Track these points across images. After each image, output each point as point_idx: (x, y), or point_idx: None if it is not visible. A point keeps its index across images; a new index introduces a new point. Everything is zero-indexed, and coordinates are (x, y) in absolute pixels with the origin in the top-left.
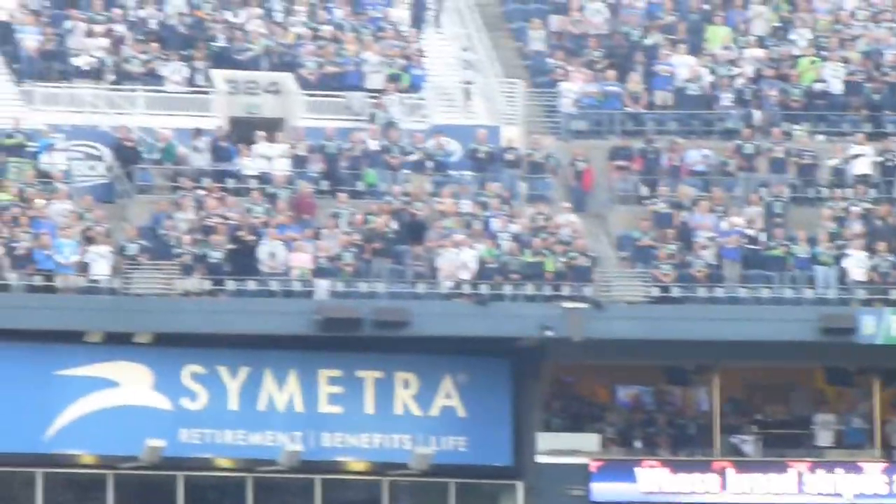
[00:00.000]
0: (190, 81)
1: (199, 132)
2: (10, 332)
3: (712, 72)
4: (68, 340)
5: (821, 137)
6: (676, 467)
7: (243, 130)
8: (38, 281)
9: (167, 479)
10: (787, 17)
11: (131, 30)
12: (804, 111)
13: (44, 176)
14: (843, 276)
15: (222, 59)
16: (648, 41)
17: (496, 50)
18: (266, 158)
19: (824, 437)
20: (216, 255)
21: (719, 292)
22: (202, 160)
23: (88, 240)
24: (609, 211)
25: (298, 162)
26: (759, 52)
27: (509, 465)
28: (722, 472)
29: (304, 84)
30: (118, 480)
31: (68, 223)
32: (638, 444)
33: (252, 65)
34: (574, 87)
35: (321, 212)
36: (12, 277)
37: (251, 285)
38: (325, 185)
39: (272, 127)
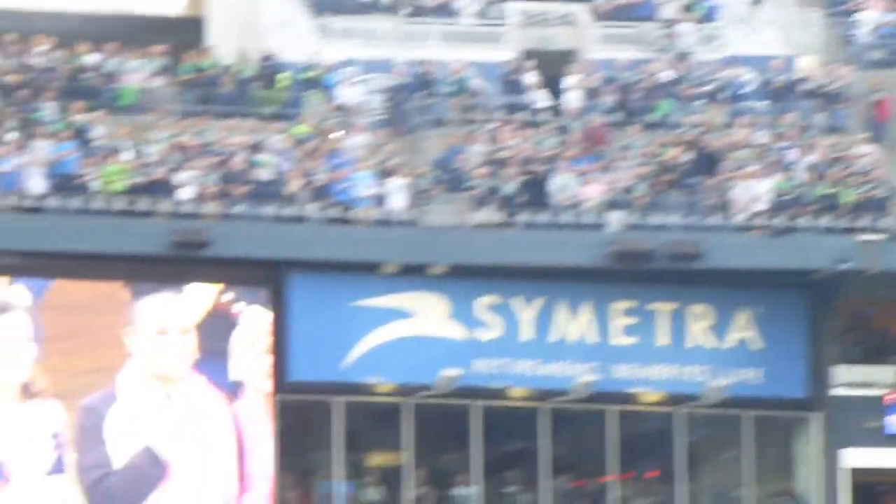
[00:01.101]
0: (483, 14)
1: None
2: (309, 264)
3: None
4: (364, 271)
5: None
6: None
7: (536, 63)
8: (335, 213)
9: (462, 408)
10: None
11: None
12: None
13: (340, 109)
14: None
15: None
16: None
17: None
18: (559, 91)
19: None
20: (509, 188)
21: None
22: (495, 93)
23: (384, 172)
24: None
25: (591, 94)
26: None
27: (804, 398)
28: None
29: (597, 15)
30: (414, 409)
31: (364, 156)
32: None
33: None
34: (872, 15)
35: (613, 144)
36: (310, 210)
37: (543, 217)
38: (617, 116)
39: (565, 59)
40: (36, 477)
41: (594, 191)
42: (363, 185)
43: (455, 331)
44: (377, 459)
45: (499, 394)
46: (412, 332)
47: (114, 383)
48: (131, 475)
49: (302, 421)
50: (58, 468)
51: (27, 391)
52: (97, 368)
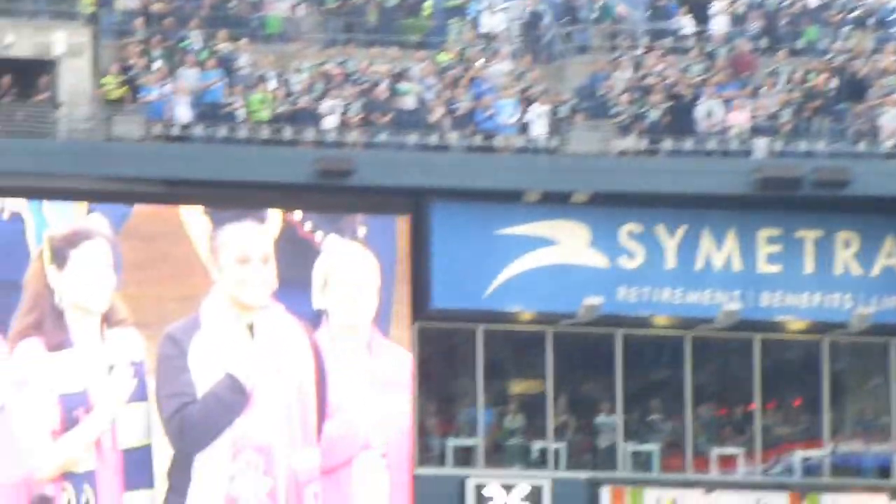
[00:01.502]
0: None
1: None
2: (452, 192)
3: None
4: (507, 199)
5: None
6: None
7: None
8: (477, 141)
9: (605, 336)
10: None
11: None
12: None
13: (484, 37)
14: None
15: None
16: None
17: None
18: (705, 16)
19: None
20: (653, 115)
21: None
22: (640, 19)
23: (527, 100)
24: None
25: (737, 20)
26: None
27: None
28: None
29: None
30: (556, 337)
31: (507, 84)
32: None
33: None
34: None
35: (760, 70)
36: (453, 138)
37: (688, 144)
38: (764, 42)
39: None
40: (118, 405)
41: (740, 117)
42: (506, 112)
43: (598, 259)
44: (519, 387)
45: (642, 322)
46: (554, 261)
47: (197, 311)
48: (213, 403)
49: (445, 348)
50: (139, 396)
51: (109, 320)
52: (179, 297)
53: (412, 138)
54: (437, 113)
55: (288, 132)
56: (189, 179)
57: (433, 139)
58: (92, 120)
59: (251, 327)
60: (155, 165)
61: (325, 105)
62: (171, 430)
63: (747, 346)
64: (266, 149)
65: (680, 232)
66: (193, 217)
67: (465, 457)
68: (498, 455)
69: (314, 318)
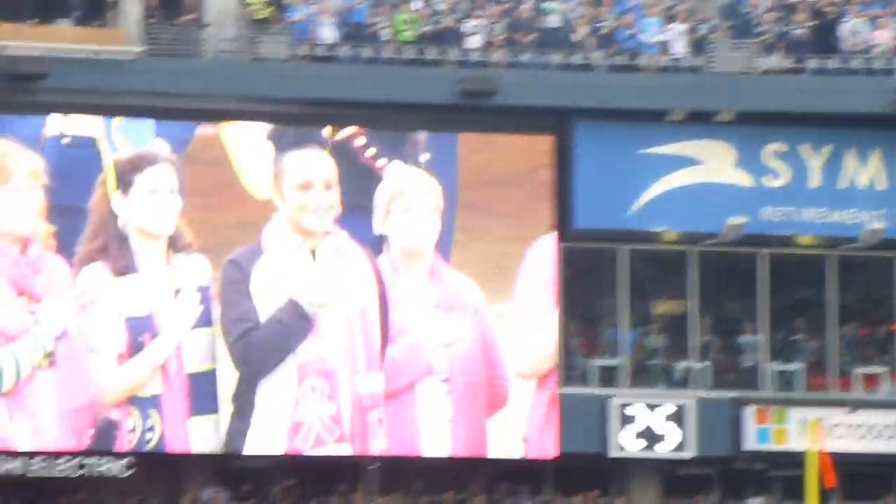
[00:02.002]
0: None
1: None
2: (595, 112)
3: None
4: (651, 119)
5: None
6: None
7: None
8: (621, 60)
9: (748, 255)
10: None
11: None
12: None
13: None
14: None
15: None
16: None
17: None
18: None
19: None
20: (798, 33)
21: None
22: None
23: (671, 18)
24: None
25: None
26: None
27: None
28: None
29: None
30: (700, 257)
31: (651, 2)
32: None
33: None
34: None
35: None
36: (596, 57)
37: (833, 63)
38: None
39: None
40: (183, 330)
41: (885, 36)
42: (650, 31)
43: (742, 178)
44: (662, 307)
45: (786, 241)
46: (698, 180)
47: (259, 237)
48: (276, 329)
49: (588, 268)
50: (205, 322)
51: (174, 245)
52: (242, 223)
53: (556, 58)
54: (582, 32)
55: (432, 52)
56: (333, 100)
57: (577, 58)
58: (238, 40)
59: (314, 253)
60: (299, 86)
61: (469, 25)
62: (236, 356)
63: (891, 264)
64: (409, 69)
65: (824, 151)
66: (257, 142)
67: (608, 376)
68: (640, 375)
69: (376, 244)
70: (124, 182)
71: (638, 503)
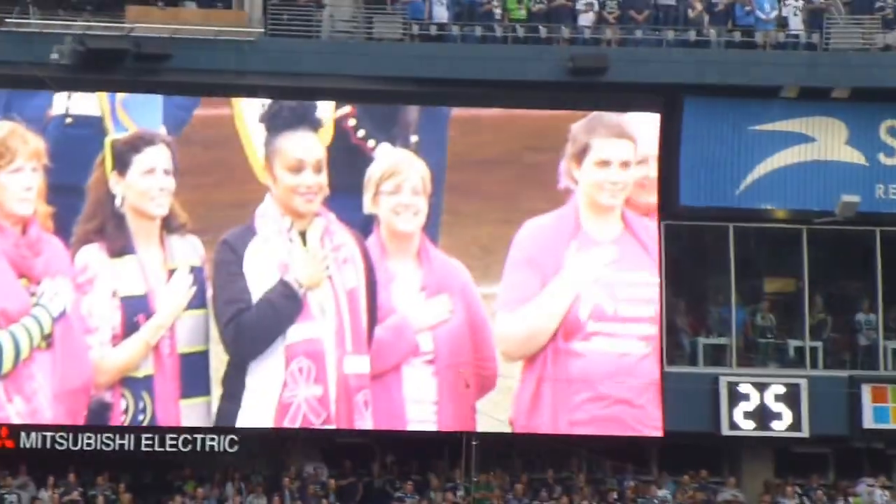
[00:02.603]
0: None
1: None
2: (709, 87)
3: None
4: (764, 95)
5: None
6: None
7: None
8: (737, 37)
9: (862, 234)
10: None
11: None
12: None
13: None
14: None
15: None
16: None
17: None
18: None
19: None
20: None
21: None
22: None
23: None
24: None
25: None
26: None
27: None
28: None
29: None
30: (811, 235)
31: None
32: None
33: None
34: None
35: None
36: (712, 34)
37: None
38: None
39: None
40: (177, 311)
41: None
42: (766, 7)
43: (855, 156)
44: (773, 285)
45: None
46: (811, 157)
47: (251, 218)
48: (267, 310)
49: (696, 246)
50: (199, 303)
51: (168, 225)
52: (235, 203)
53: (669, 34)
54: (697, 8)
55: (542, 30)
56: (447, 79)
57: (691, 35)
58: (353, 21)
59: (303, 234)
60: (414, 65)
61: (581, 2)
62: (227, 337)
63: None
64: (520, 47)
65: None
66: (249, 123)
67: (716, 355)
68: (749, 354)
69: (365, 225)
70: (121, 162)
71: (749, 482)
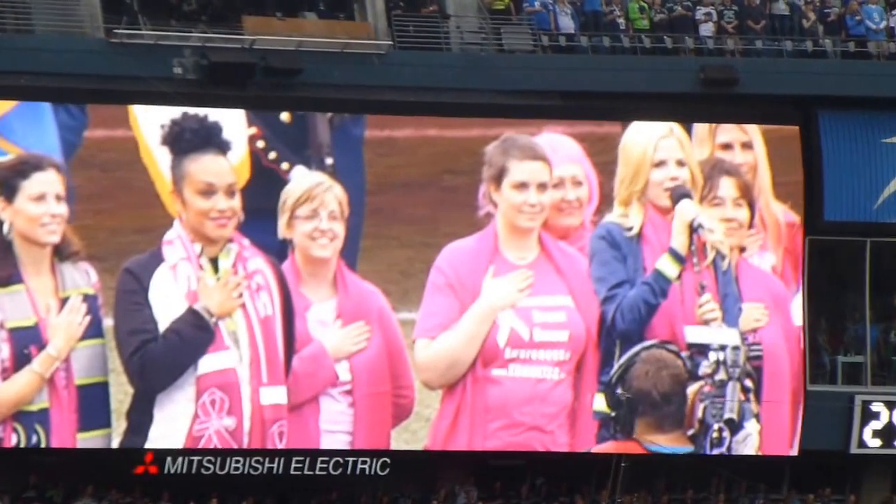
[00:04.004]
0: None
1: None
2: (835, 100)
3: None
4: (891, 107)
5: None
6: None
7: None
8: (851, 47)
9: None
10: None
11: None
12: None
13: None
14: None
15: None
16: None
17: None
18: None
19: None
20: None
21: None
22: None
23: (893, 5)
24: None
25: None
26: None
27: None
28: None
29: None
30: None
31: None
32: None
33: None
34: None
35: None
36: (827, 44)
37: None
38: None
39: None
40: (72, 342)
41: None
42: (874, 17)
43: None
44: None
45: None
46: None
47: (158, 244)
48: (175, 341)
49: (834, 262)
50: (95, 332)
51: (61, 253)
52: (139, 229)
53: (787, 45)
54: (811, 18)
55: (668, 40)
56: (587, 91)
57: (807, 45)
58: (480, 33)
59: (215, 261)
60: (546, 77)
61: (701, 12)
62: (132, 369)
63: None
64: (649, 58)
65: None
66: (154, 146)
67: (853, 373)
68: (882, 372)
69: (280, 251)
70: (8, 188)
71: (868, 500)
